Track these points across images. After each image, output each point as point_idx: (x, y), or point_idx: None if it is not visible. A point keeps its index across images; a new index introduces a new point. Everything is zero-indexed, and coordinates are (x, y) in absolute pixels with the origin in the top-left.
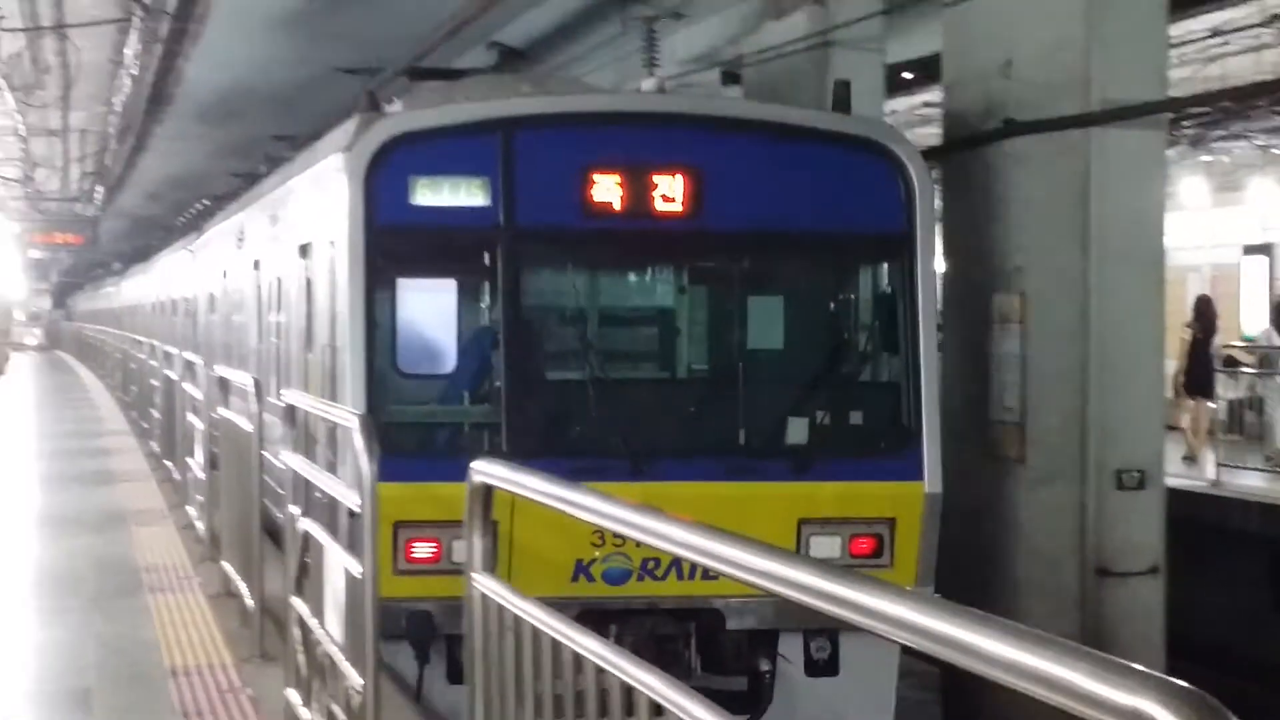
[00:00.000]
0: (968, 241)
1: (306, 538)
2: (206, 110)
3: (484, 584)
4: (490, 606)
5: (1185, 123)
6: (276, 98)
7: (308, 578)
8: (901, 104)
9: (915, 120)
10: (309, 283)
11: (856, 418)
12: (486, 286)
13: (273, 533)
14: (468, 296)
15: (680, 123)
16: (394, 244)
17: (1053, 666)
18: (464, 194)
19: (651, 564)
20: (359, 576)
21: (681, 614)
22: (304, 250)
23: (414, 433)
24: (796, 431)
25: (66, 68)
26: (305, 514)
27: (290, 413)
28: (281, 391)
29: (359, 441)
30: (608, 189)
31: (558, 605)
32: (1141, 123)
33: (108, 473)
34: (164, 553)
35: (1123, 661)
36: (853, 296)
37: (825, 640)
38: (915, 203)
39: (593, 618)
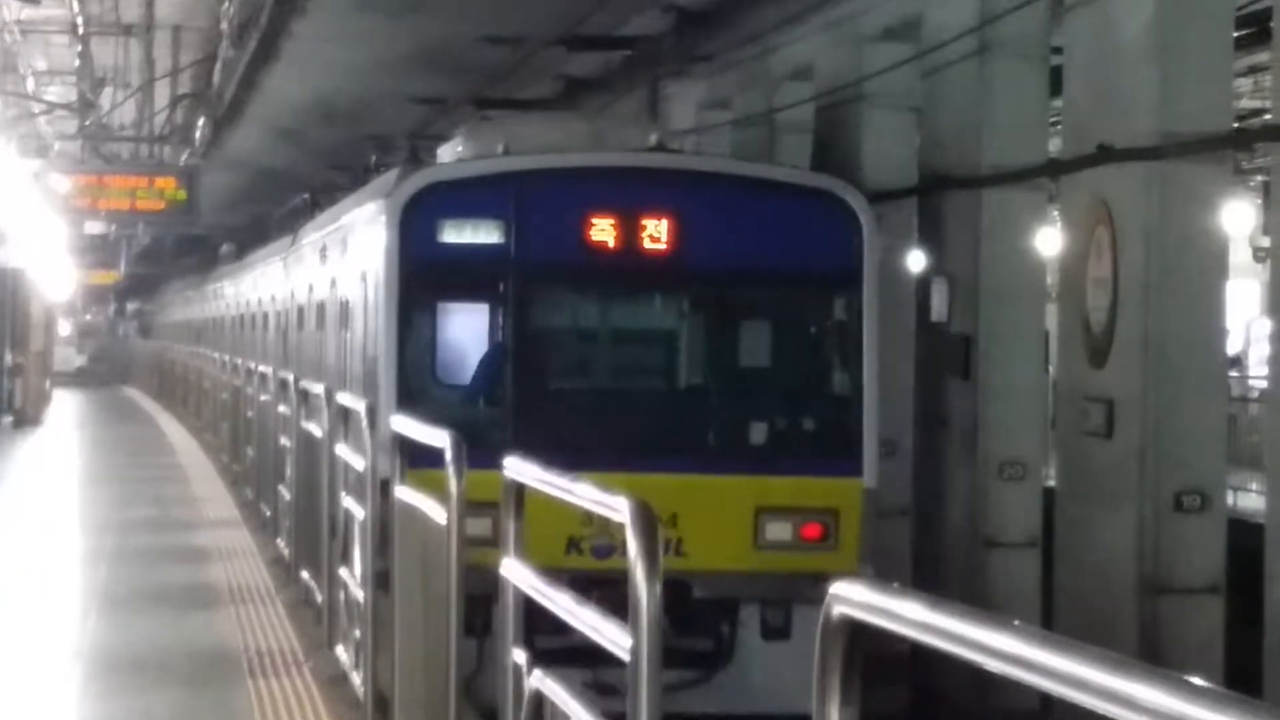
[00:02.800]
0: None
1: (541, 702)
2: None
3: None
4: None
5: None
6: None
7: None
8: None
9: None
10: (365, 303)
11: (809, 424)
12: (500, 310)
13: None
14: (484, 318)
15: (665, 176)
16: (423, 274)
17: None
18: (482, 234)
19: None
20: None
21: None
22: (362, 278)
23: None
24: (756, 434)
25: None
26: (539, 661)
27: (517, 494)
28: (506, 461)
29: (636, 545)
30: (602, 230)
31: (553, 574)
32: None
33: (207, 590)
34: None
35: None
36: (809, 323)
37: (780, 610)
38: (864, 245)
39: (581, 584)
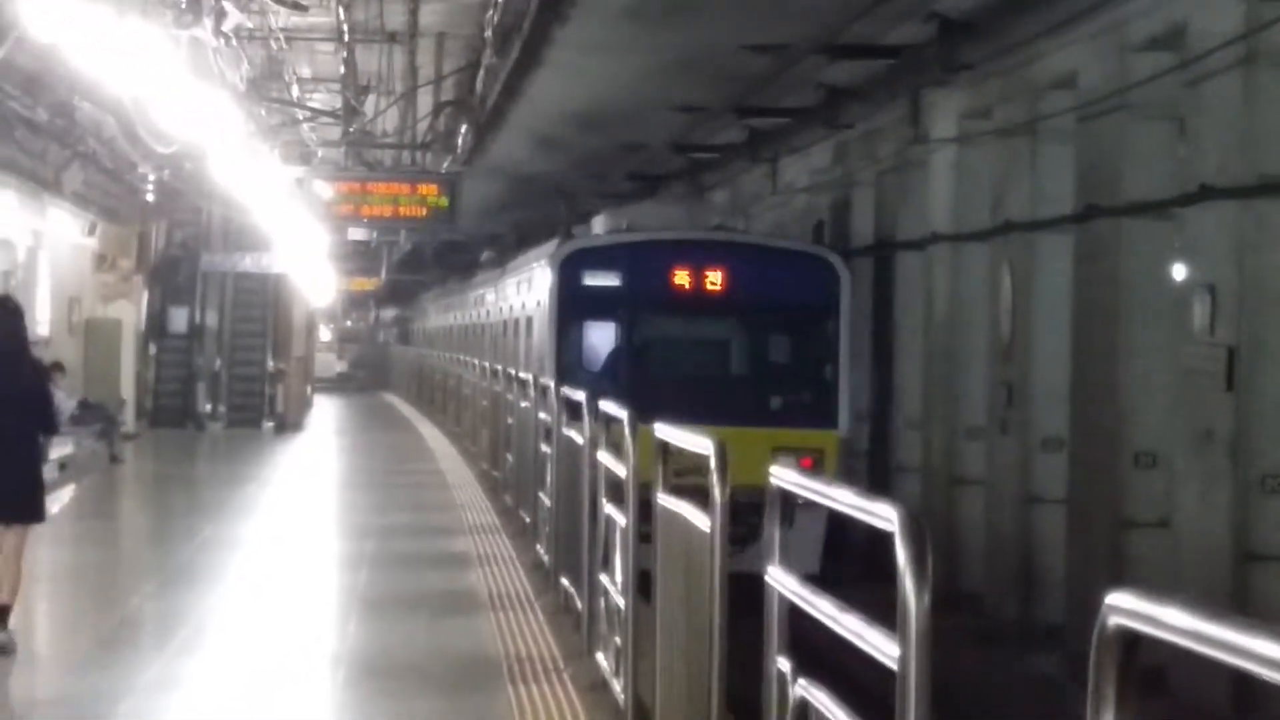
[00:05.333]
0: None
1: (806, 710)
2: (643, 2)
3: None
4: None
5: None
6: None
7: None
8: None
9: None
10: (539, 320)
11: (805, 398)
12: (620, 326)
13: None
14: (610, 331)
15: (720, 245)
16: (572, 304)
17: None
18: (609, 279)
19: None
20: None
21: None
22: (538, 304)
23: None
24: (774, 403)
25: None
26: (805, 673)
27: (783, 501)
28: (773, 470)
29: (904, 554)
30: (682, 278)
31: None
32: None
33: (466, 596)
34: None
35: None
36: (806, 336)
37: (787, 509)
38: (840, 288)
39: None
